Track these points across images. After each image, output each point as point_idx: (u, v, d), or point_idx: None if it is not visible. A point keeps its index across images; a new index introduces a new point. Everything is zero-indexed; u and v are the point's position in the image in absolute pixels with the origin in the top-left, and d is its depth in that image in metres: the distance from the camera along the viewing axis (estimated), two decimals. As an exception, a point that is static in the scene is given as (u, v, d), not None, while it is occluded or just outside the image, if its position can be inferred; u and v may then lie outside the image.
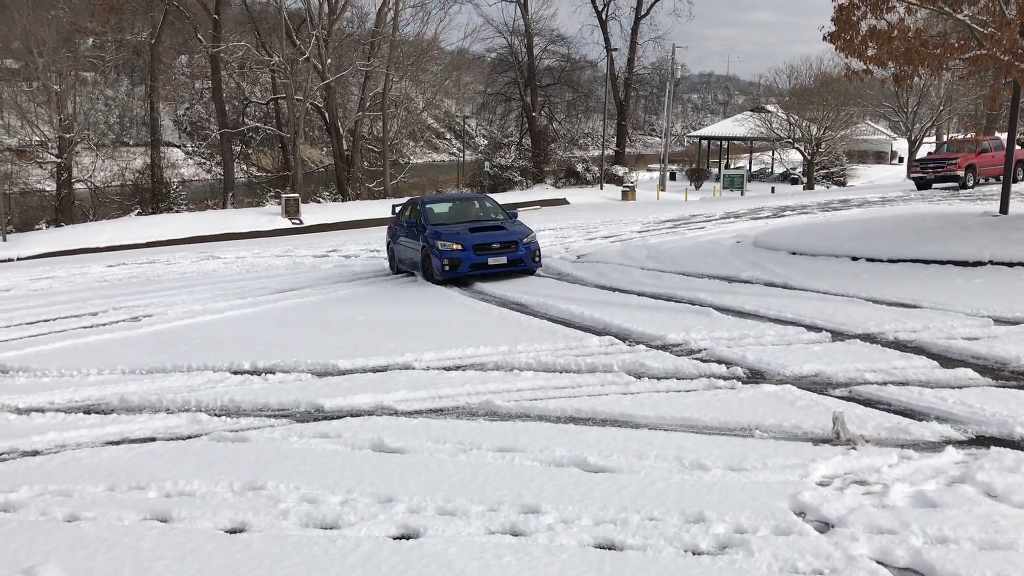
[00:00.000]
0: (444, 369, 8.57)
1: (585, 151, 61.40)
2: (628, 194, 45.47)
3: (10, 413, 7.77)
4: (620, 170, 52.91)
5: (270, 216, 36.83)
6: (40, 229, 36.11)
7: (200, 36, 41.75)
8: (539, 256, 14.81)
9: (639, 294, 12.06)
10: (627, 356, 8.51)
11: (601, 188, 49.10)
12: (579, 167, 53.31)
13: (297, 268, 18.92)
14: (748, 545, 4.37)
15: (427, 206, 16.00)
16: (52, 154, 41.42)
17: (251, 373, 8.82)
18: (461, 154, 64.86)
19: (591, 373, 8.06)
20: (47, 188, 44.25)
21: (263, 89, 47.78)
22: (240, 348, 9.93)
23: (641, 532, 4.60)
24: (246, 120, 45.96)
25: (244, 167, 49.76)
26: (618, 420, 6.63)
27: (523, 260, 14.50)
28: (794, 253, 14.10)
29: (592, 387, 7.59)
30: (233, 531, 4.89)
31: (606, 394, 7.34)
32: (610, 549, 4.47)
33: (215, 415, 7.38)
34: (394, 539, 4.68)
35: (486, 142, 63.67)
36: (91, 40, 50.66)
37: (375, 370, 8.71)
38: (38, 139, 44.18)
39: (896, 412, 6.41)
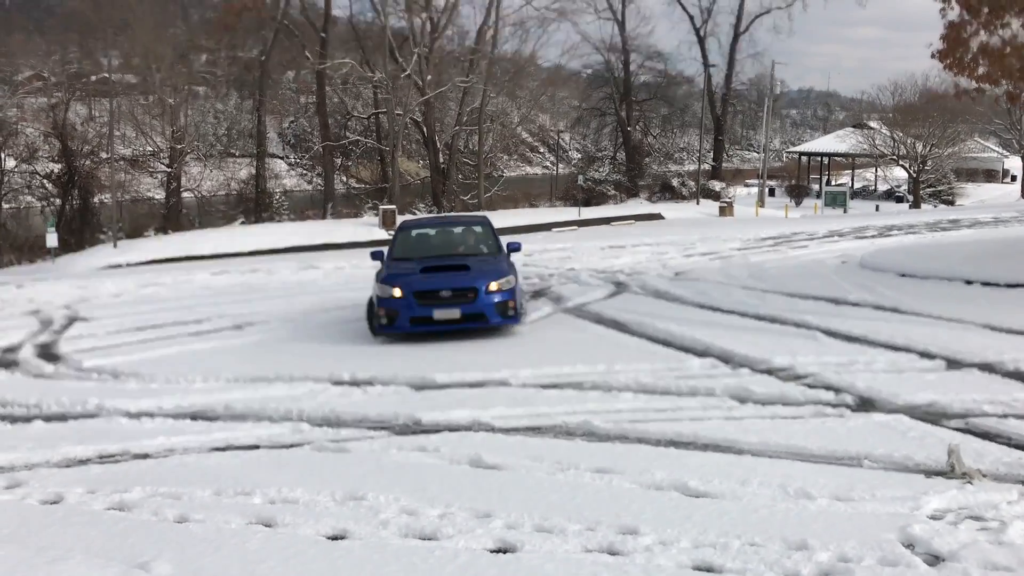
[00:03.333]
0: (541, 387, 8.54)
1: (680, 165, 60.80)
2: (726, 210, 44.75)
3: (122, 417, 8.06)
4: (717, 185, 52.18)
5: (368, 227, 37.55)
6: (148, 236, 37.57)
7: (308, 53, 42.97)
8: (516, 308, 11.37)
9: (741, 315, 11.81)
10: (730, 380, 8.33)
11: (697, 203, 48.50)
12: (675, 181, 52.76)
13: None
14: (852, 575, 4.23)
15: (402, 233, 13.20)
16: (163, 164, 43.19)
17: (351, 384, 8.96)
18: (554, 167, 65.00)
19: (692, 396, 7.92)
20: (157, 197, 46.16)
21: (364, 104, 48.85)
22: (339, 359, 10.09)
23: (741, 557, 4.49)
24: (347, 133, 47.06)
25: (344, 179, 50.90)
26: (720, 445, 6.48)
27: (484, 314, 11.10)
28: (903, 275, 13.63)
29: (693, 410, 7.45)
30: (335, 538, 4.96)
31: (708, 418, 7.19)
32: (708, 572, 4.39)
33: (316, 425, 7.51)
34: (491, 552, 4.68)
35: (579, 156, 63.66)
36: (204, 57, 52.76)
37: (472, 385, 8.74)
38: (151, 149, 46.14)
39: (1016, 447, 6.10)
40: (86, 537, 5.05)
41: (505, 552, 4.68)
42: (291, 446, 6.91)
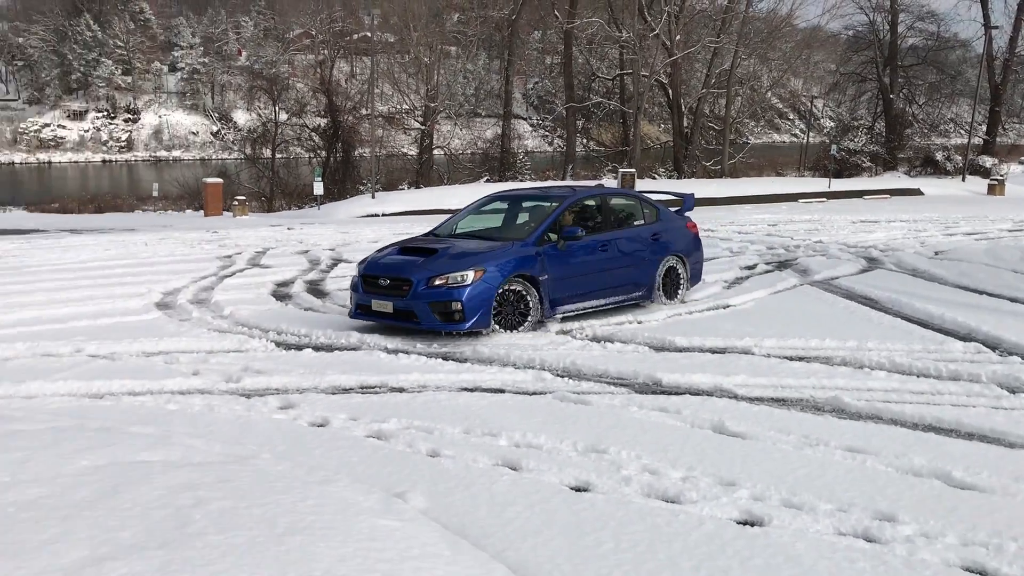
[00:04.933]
0: (786, 358, 8.24)
1: (946, 138, 56.05)
2: (995, 188, 40.85)
3: (381, 352, 8.62)
4: (988, 161, 47.66)
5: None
6: (402, 189, 39.67)
7: (556, 12, 43.37)
8: (464, 311, 8.95)
9: (1012, 299, 10.80)
10: (998, 367, 7.65)
11: (963, 180, 44.59)
12: (938, 155, 48.73)
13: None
14: None
15: (474, 205, 11.48)
16: (418, 121, 45.32)
17: (591, 340, 9.07)
18: (804, 136, 61.99)
19: (954, 381, 7.35)
20: (410, 153, 48.60)
21: (609, 65, 48.73)
22: (574, 316, 10.25)
23: (1019, 562, 4.12)
24: (591, 95, 47.18)
25: (584, 141, 51.20)
26: (988, 436, 5.98)
27: (413, 312, 9.13)
28: None
29: (955, 396, 6.92)
30: (578, 489, 5.04)
31: (973, 406, 6.65)
32: (980, 575, 4.06)
33: (558, 375, 7.68)
34: (738, 523, 4.57)
35: (833, 124, 60.27)
36: (456, 16, 54.63)
37: (712, 351, 8.58)
38: (406, 107, 48.59)
39: None
40: (349, 461, 5.43)
41: (752, 525, 4.56)
42: (534, 393, 7.09)
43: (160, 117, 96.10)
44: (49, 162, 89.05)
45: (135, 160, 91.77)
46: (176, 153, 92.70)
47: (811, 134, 60.06)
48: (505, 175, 43.04)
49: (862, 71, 53.73)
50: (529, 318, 9.45)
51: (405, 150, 49.81)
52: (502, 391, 7.19)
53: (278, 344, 9.04)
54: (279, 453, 5.50)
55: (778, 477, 5.17)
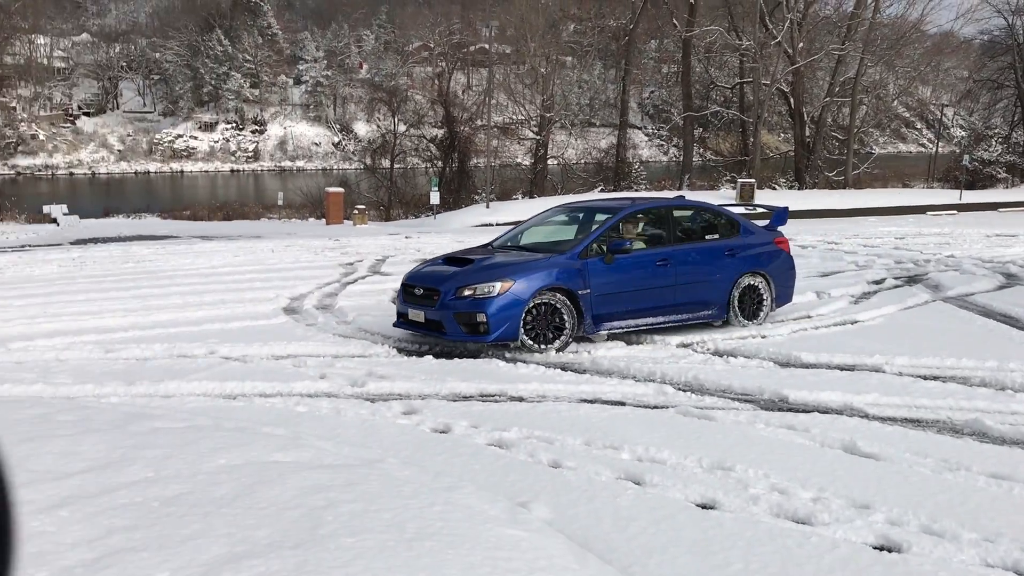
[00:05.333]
0: (920, 377, 7.88)
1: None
2: None
3: (500, 360, 8.66)
4: None
5: (724, 200, 36.90)
6: (516, 199, 39.93)
7: (675, 21, 42.97)
8: (487, 324, 8.80)
9: None
10: None
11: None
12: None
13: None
14: None
15: (538, 217, 11.27)
16: (532, 131, 45.57)
17: (713, 354, 8.90)
18: (933, 146, 59.47)
19: (1109, 406, 6.89)
20: (524, 163, 48.94)
21: (729, 73, 47.95)
22: (696, 329, 10.07)
23: None
24: (708, 104, 46.51)
25: (701, 151, 50.52)
26: None
27: (440, 323, 9.05)
28: None
29: (1111, 422, 6.48)
30: (703, 506, 4.93)
31: None
32: None
33: (680, 389, 7.55)
34: (874, 548, 4.38)
35: (964, 133, 57.60)
36: (573, 26, 54.81)
37: (841, 368, 8.30)
38: (521, 117, 48.95)
39: None
40: (471, 469, 5.46)
41: (889, 551, 4.36)
42: (656, 407, 6.99)
43: (285, 128, 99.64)
44: (181, 171, 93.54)
45: (261, 170, 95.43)
46: (300, 163, 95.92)
47: (940, 144, 57.56)
48: (619, 185, 42.82)
49: (998, 77, 51.19)
50: (564, 333, 9.08)
51: (519, 160, 50.23)
52: (623, 404, 7.11)
53: (399, 350, 9.20)
54: (404, 458, 5.58)
55: (916, 502, 4.93)
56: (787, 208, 11.71)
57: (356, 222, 33.78)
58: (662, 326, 9.79)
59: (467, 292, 8.92)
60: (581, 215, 10.59)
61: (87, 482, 4.27)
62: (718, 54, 46.35)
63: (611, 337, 9.65)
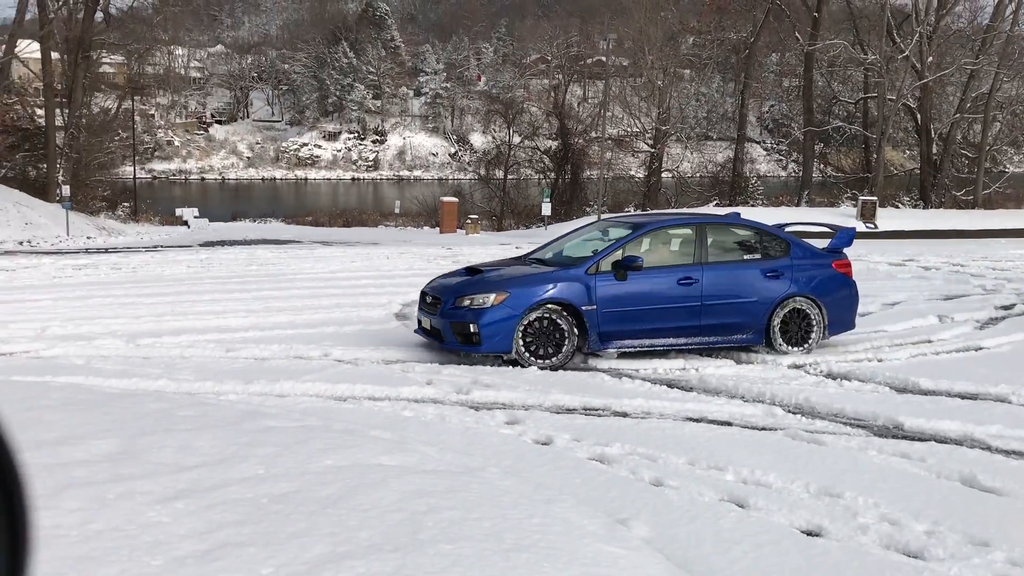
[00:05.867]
0: (1051, 410, 7.46)
1: None
2: None
3: (605, 375, 8.64)
4: None
5: (843, 218, 35.74)
6: (628, 212, 39.67)
7: (797, 34, 41.99)
8: (478, 334, 8.85)
9: None
10: None
11: None
12: None
13: (872, 274, 18.07)
14: None
15: (578, 231, 11.14)
16: (647, 144, 45.27)
17: (826, 376, 8.65)
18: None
19: None
20: (638, 175, 48.64)
21: (852, 88, 46.51)
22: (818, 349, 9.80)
23: None
24: (831, 119, 45.21)
25: (821, 166, 49.13)
26: None
27: (439, 331, 9.25)
28: None
29: None
30: (809, 533, 4.79)
31: None
32: None
33: (789, 411, 7.36)
34: (991, 589, 4.17)
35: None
36: (692, 39, 54.23)
37: (962, 396, 7.93)
38: (636, 130, 48.71)
39: None
40: (572, 482, 5.46)
41: (1009, 592, 4.15)
42: (763, 429, 6.83)
43: (404, 139, 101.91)
44: (305, 179, 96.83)
45: (380, 178, 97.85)
46: (417, 173, 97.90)
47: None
48: (735, 200, 42.06)
49: None
50: (564, 349, 8.94)
51: (633, 172, 49.92)
52: (729, 424, 6.98)
53: (506, 360, 9.27)
54: (505, 468, 5.62)
55: (1041, 543, 4.67)
56: (853, 229, 10.84)
57: (468, 231, 34.26)
58: (685, 348, 9.43)
59: (464, 302, 8.98)
60: (614, 230, 10.18)
61: (202, 476, 4.48)
62: (842, 68, 45.00)
63: (720, 355, 9.49)
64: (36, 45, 38.93)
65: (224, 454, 4.90)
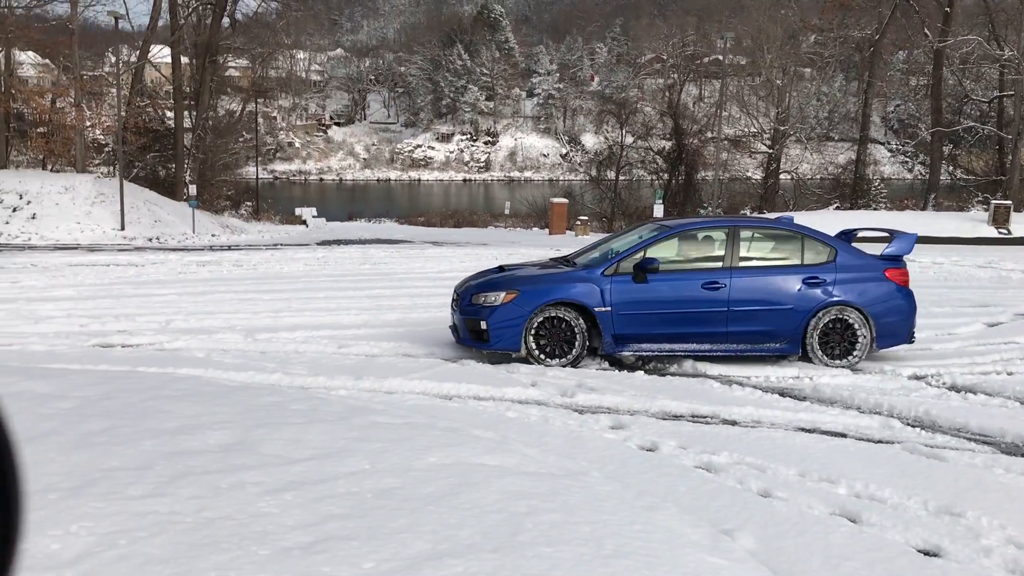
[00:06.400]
0: None
1: None
2: None
3: (714, 381, 8.46)
4: None
5: (973, 223, 34.12)
6: (744, 214, 38.83)
7: (927, 31, 40.29)
8: (487, 331, 9.01)
9: None
10: None
11: None
12: None
13: (1004, 282, 17.16)
14: None
15: (627, 231, 10.92)
16: (765, 144, 44.21)
17: (950, 388, 8.25)
18: None
19: None
20: (754, 177, 47.57)
21: (986, 86, 44.30)
22: (938, 356, 9.36)
23: None
24: (961, 119, 43.17)
25: (950, 169, 46.99)
26: None
27: (456, 327, 9.60)
28: None
29: None
30: (926, 552, 4.57)
31: None
32: None
33: (908, 424, 7.04)
34: None
35: None
36: (813, 37, 52.66)
37: (1102, 414, 7.43)
38: (754, 130, 47.64)
39: None
40: (676, 490, 5.35)
41: None
42: (880, 442, 6.56)
43: (515, 140, 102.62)
44: (419, 179, 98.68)
45: (491, 180, 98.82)
46: (527, 174, 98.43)
47: None
48: (857, 203, 40.67)
49: None
50: (573, 350, 8.91)
51: (749, 174, 48.85)
52: (844, 435, 6.73)
53: (611, 363, 9.19)
54: (608, 472, 5.56)
55: None
56: (914, 235, 9.95)
57: (578, 233, 34.17)
58: (709, 355, 9.08)
59: (480, 299, 9.16)
60: (653, 233, 9.67)
61: (311, 469, 4.58)
62: (975, 65, 42.89)
63: (835, 364, 9.16)
64: (167, 50, 40.96)
65: (332, 448, 5.01)
